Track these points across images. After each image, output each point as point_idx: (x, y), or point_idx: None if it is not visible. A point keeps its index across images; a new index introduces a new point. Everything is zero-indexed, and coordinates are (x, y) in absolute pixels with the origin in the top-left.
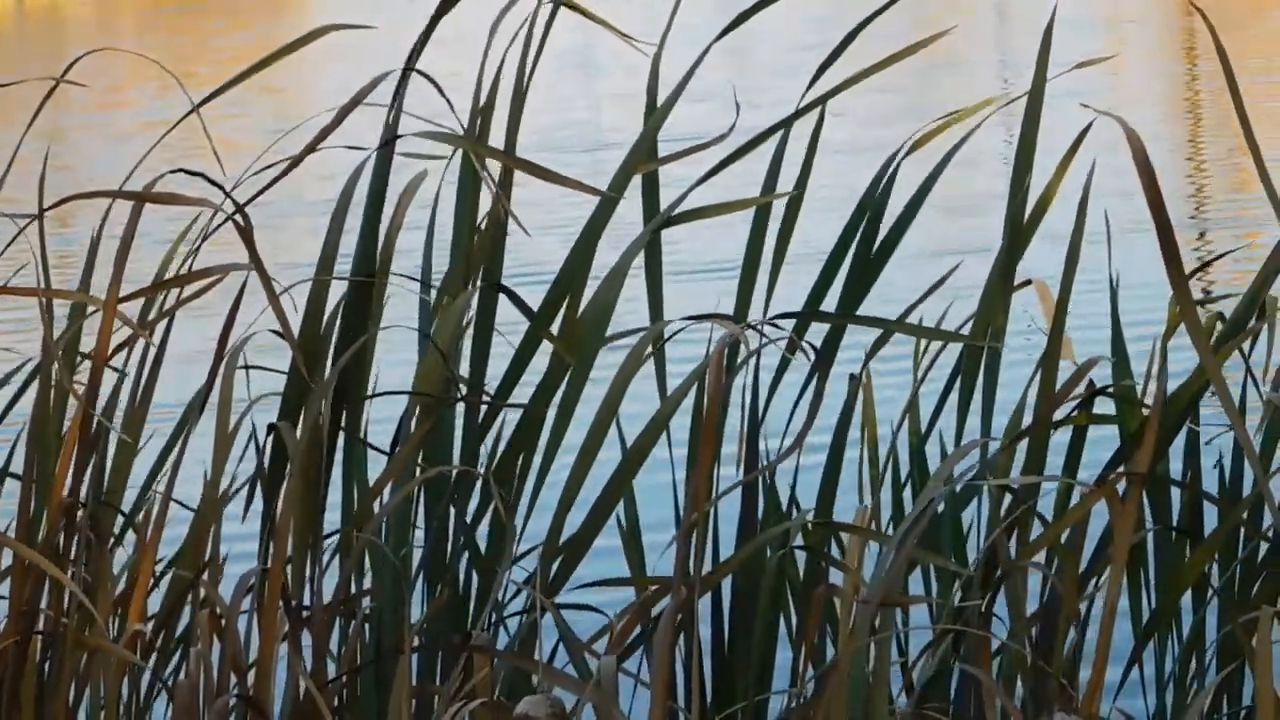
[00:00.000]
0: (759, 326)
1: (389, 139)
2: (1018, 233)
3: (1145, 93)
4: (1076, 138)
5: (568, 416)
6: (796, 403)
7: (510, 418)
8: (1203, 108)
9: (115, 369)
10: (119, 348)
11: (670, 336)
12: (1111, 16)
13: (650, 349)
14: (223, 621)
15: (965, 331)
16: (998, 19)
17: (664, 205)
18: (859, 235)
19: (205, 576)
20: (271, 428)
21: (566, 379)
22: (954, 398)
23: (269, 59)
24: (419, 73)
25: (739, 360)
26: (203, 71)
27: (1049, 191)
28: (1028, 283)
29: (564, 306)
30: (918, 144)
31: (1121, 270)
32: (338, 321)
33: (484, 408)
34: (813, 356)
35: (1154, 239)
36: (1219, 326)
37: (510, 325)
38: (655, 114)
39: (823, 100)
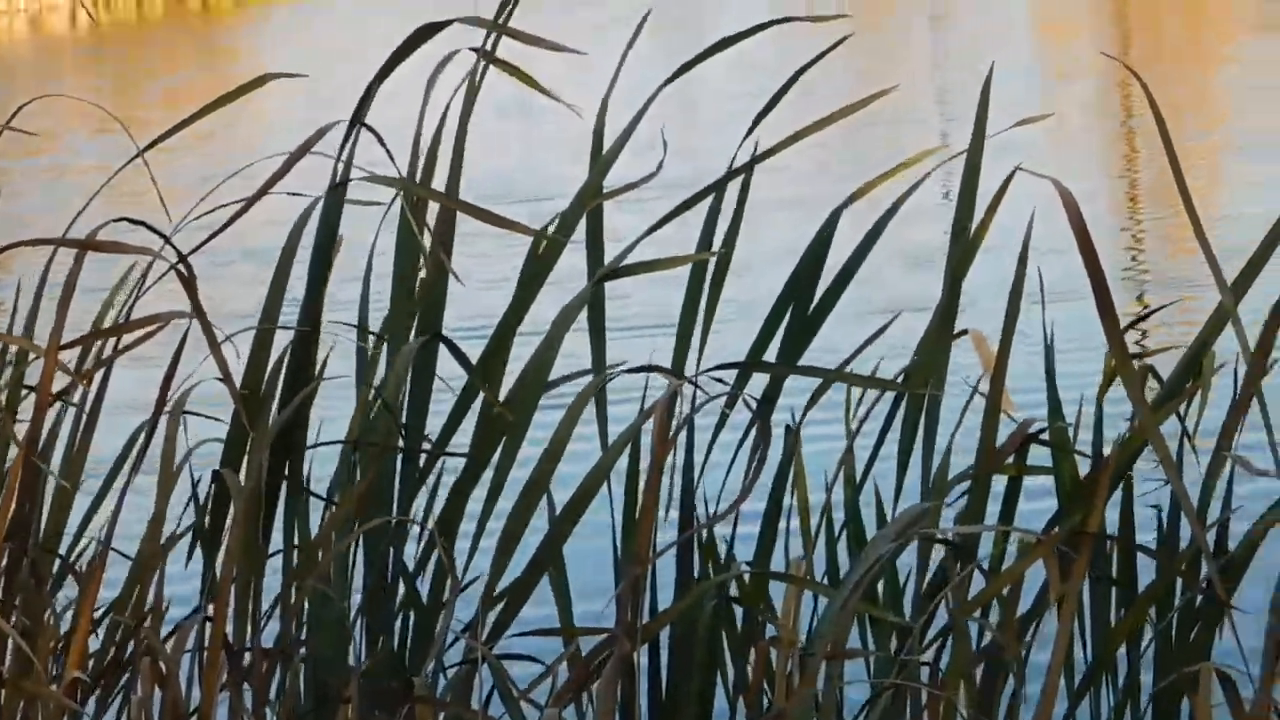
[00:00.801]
0: (695, 379)
1: (336, 185)
2: (957, 284)
3: (1087, 149)
4: (997, 193)
5: (507, 467)
6: (735, 455)
7: (450, 465)
8: (1141, 167)
9: (66, 400)
10: (59, 394)
11: (606, 381)
12: (1055, 68)
13: (592, 400)
14: (163, 668)
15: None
16: (935, 71)
17: (606, 260)
18: (799, 290)
19: (147, 623)
20: (215, 475)
21: (506, 432)
22: (893, 448)
23: (211, 106)
24: (364, 126)
25: (679, 415)
26: (143, 115)
27: (975, 242)
28: (964, 333)
29: (498, 359)
30: (857, 194)
31: (1064, 326)
32: (282, 370)
33: (422, 457)
34: (754, 408)
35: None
36: (1151, 381)
37: (450, 373)
38: (598, 165)
39: (762, 158)
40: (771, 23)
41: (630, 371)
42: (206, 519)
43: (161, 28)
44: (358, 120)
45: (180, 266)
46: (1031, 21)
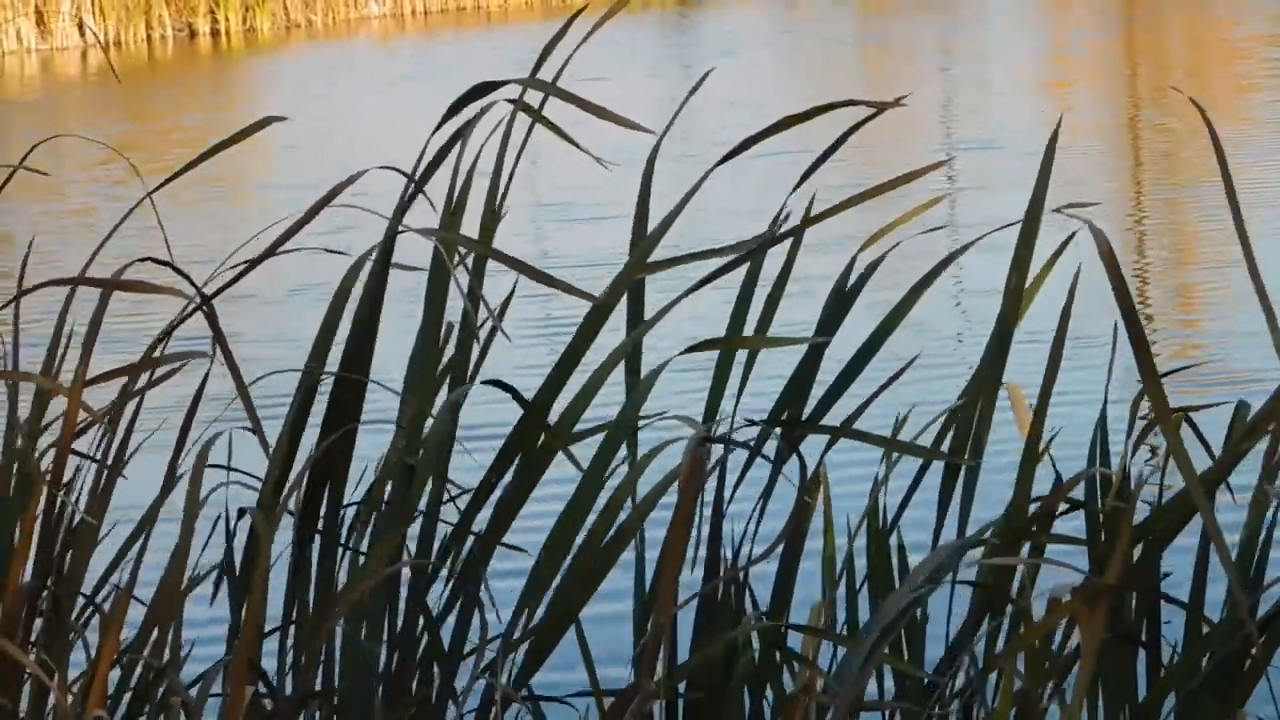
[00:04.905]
0: (729, 435)
1: (389, 237)
2: (1005, 342)
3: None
4: (1056, 250)
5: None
6: (760, 502)
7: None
8: (1148, 212)
9: (83, 456)
10: (82, 430)
11: (642, 426)
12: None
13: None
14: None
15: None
16: (948, 129)
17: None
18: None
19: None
20: (242, 512)
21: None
22: (923, 496)
23: (210, 151)
24: (420, 189)
25: (706, 470)
26: (158, 158)
27: (1027, 299)
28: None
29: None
30: (868, 242)
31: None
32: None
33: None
34: (782, 462)
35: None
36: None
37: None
38: (647, 238)
39: (811, 222)
40: (834, 105)
41: (658, 418)
42: (234, 558)
43: (172, 69)
44: (417, 188)
45: (204, 306)
46: (1040, 78)
